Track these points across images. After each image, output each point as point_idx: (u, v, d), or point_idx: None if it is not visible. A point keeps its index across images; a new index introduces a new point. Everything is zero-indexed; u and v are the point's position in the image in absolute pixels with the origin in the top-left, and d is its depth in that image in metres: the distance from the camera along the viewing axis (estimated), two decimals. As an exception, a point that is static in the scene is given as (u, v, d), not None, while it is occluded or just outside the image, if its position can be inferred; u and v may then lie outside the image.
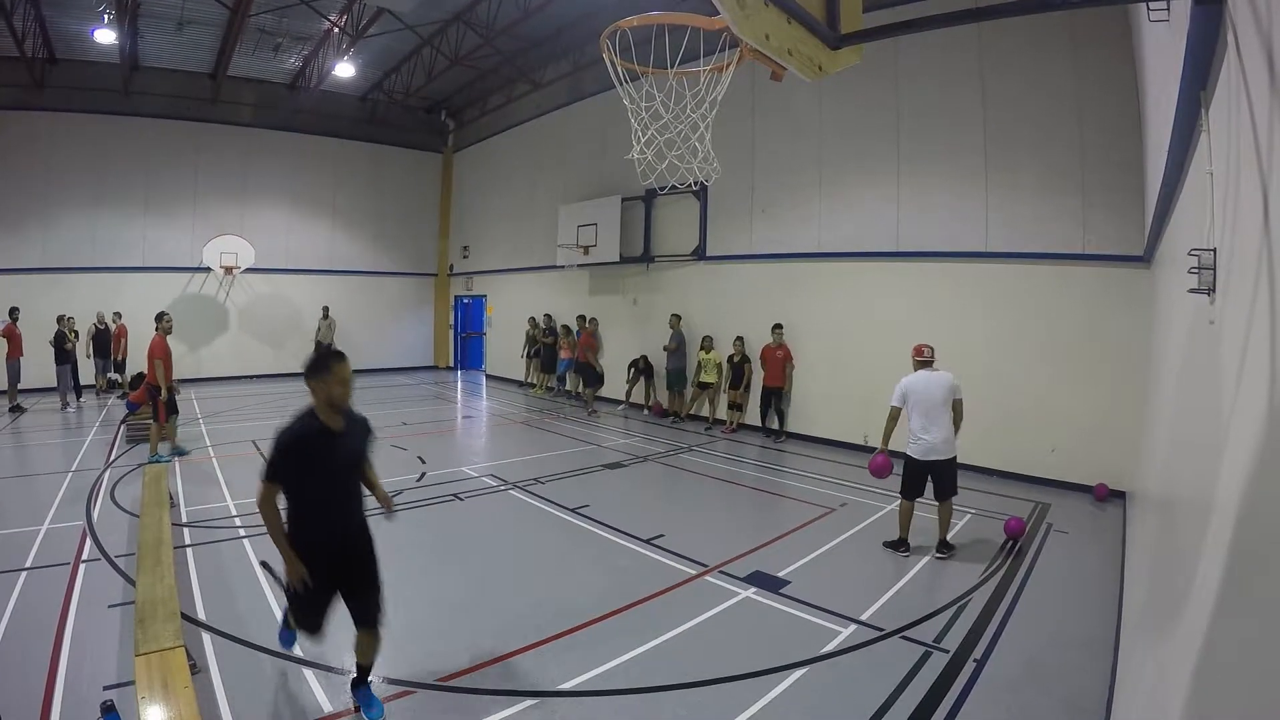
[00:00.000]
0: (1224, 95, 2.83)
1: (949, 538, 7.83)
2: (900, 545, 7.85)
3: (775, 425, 14.46)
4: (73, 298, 18.64)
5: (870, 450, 12.75)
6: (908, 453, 7.71)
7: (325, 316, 22.91)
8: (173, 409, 11.67)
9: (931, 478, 7.66)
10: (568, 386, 19.26)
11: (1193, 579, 2.53)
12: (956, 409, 7.55)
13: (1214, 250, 2.88)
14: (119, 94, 19.77)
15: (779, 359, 13.97)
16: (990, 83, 11.30)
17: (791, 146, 14.32)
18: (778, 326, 13.97)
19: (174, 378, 11.63)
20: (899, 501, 7.95)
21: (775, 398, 14.23)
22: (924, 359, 7.74)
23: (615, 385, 18.19)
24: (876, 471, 8.06)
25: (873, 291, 12.98)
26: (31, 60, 17.32)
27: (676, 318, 16.26)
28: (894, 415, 7.74)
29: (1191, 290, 3.10)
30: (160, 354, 11.09)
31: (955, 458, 7.66)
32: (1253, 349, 2.07)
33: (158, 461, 10.42)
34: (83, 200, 19.57)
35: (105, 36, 16.58)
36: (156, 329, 11.24)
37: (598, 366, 18.00)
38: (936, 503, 7.79)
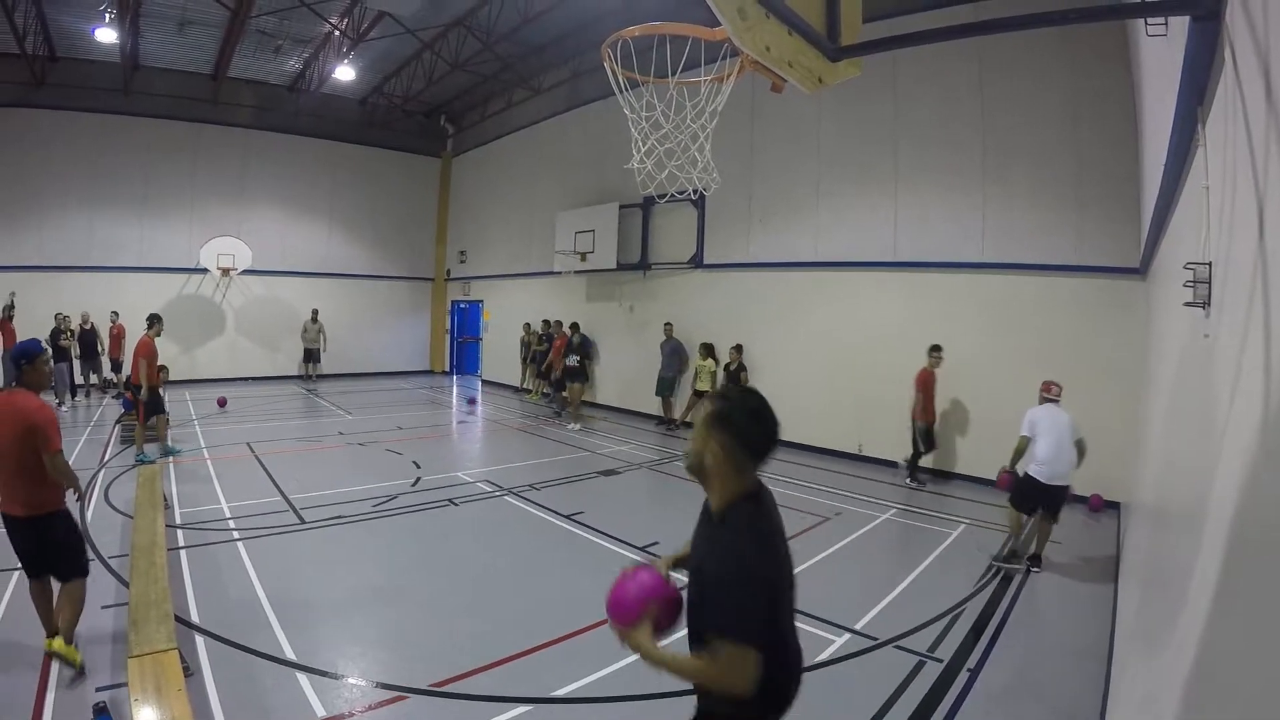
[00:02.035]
0: (1220, 110, 2.85)
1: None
2: (1014, 558, 8.01)
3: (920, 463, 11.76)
4: (69, 296, 18.54)
5: (864, 459, 12.87)
6: (1031, 474, 7.83)
7: (314, 320, 22.82)
8: (159, 409, 11.80)
9: (1045, 499, 7.80)
10: (564, 393, 19.24)
11: (1186, 591, 2.54)
12: (1080, 447, 7.78)
13: (1209, 264, 2.90)
14: (119, 93, 19.76)
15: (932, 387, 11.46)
16: (988, 95, 11.34)
17: (790, 156, 14.35)
18: (936, 348, 11.39)
19: (162, 379, 11.88)
20: (1009, 511, 8.25)
21: (928, 434, 11.55)
22: (1052, 396, 8.14)
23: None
24: (1009, 487, 8.72)
25: (869, 301, 13.00)
26: (32, 58, 17.30)
27: (669, 326, 16.30)
28: (1024, 445, 7.92)
29: (1186, 303, 3.12)
30: (145, 353, 11.32)
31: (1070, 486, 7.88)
32: (1247, 363, 2.08)
33: (143, 461, 10.73)
34: (81, 199, 19.53)
35: (106, 35, 16.57)
36: (148, 330, 11.58)
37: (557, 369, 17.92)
38: (1039, 521, 7.97)
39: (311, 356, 22.73)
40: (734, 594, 2.41)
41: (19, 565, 5.05)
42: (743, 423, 2.60)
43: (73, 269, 19.41)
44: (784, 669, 2.64)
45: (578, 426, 16.07)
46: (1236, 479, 1.99)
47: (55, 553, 4.99)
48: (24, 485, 4.76)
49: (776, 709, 2.63)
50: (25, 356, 4.89)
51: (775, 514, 2.78)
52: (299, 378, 22.96)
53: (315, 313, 22.84)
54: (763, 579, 2.49)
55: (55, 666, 4.87)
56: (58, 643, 4.83)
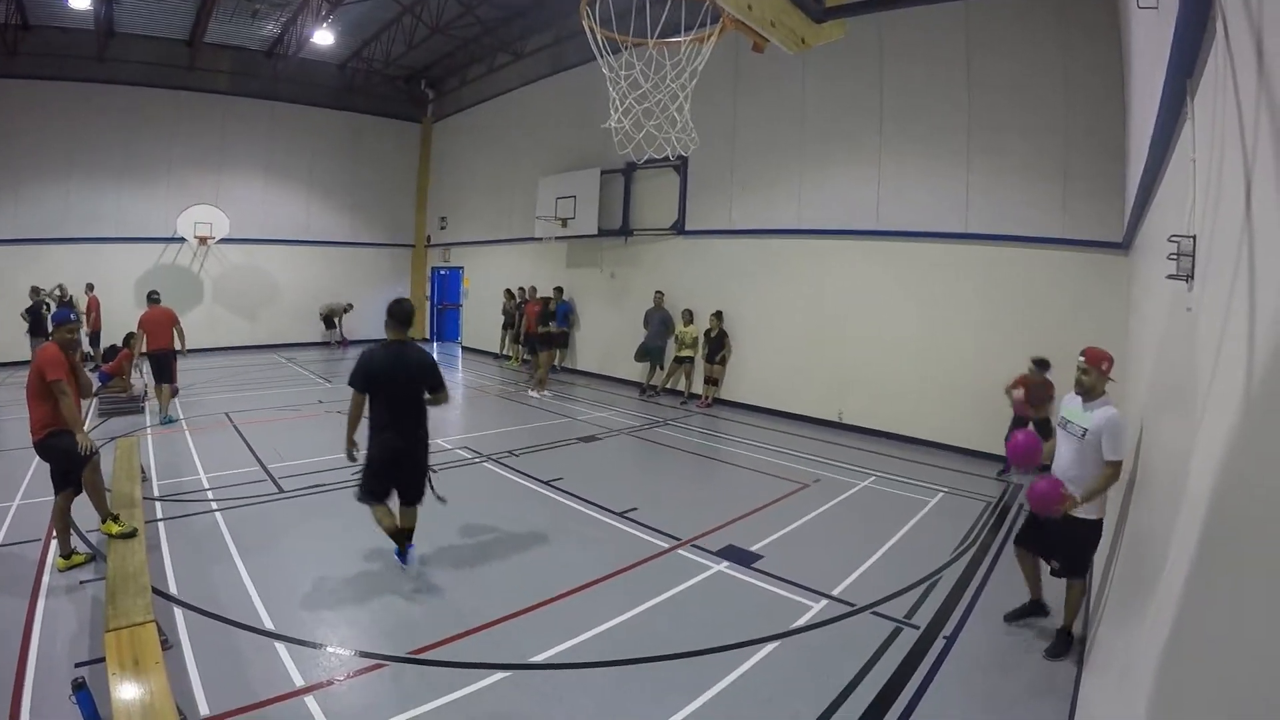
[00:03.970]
0: (1210, 83, 2.83)
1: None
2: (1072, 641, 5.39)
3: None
4: (45, 269, 18.24)
5: (843, 427, 12.92)
6: (1099, 515, 5.26)
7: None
8: (171, 377, 12.49)
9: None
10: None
11: (1163, 562, 2.56)
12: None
13: (1193, 237, 2.90)
14: (94, 61, 19.25)
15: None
16: (976, 65, 11.26)
17: (773, 123, 14.26)
18: (1041, 363, 9.63)
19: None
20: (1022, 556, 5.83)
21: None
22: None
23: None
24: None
25: (851, 269, 13.00)
26: (4, 27, 16.89)
27: (660, 295, 16.29)
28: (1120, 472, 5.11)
29: (1170, 276, 3.12)
30: (178, 322, 12.47)
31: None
32: (1229, 336, 2.08)
33: (169, 421, 12.15)
34: (56, 170, 19.09)
35: (79, 2, 16.19)
36: (158, 302, 12.53)
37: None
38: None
39: (333, 323, 23.45)
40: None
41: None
42: (391, 310, 6.17)
43: (49, 241, 19.02)
44: (376, 423, 6.13)
45: (541, 394, 16.01)
46: (1216, 451, 1.99)
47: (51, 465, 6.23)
48: (32, 413, 6.08)
49: (377, 443, 6.12)
50: (54, 321, 6.51)
51: (394, 353, 6.12)
52: (323, 344, 23.62)
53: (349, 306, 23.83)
54: (357, 369, 6.06)
55: (34, 643, 4.87)
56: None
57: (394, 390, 6.07)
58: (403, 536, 6.26)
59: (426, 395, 6.25)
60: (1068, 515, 5.06)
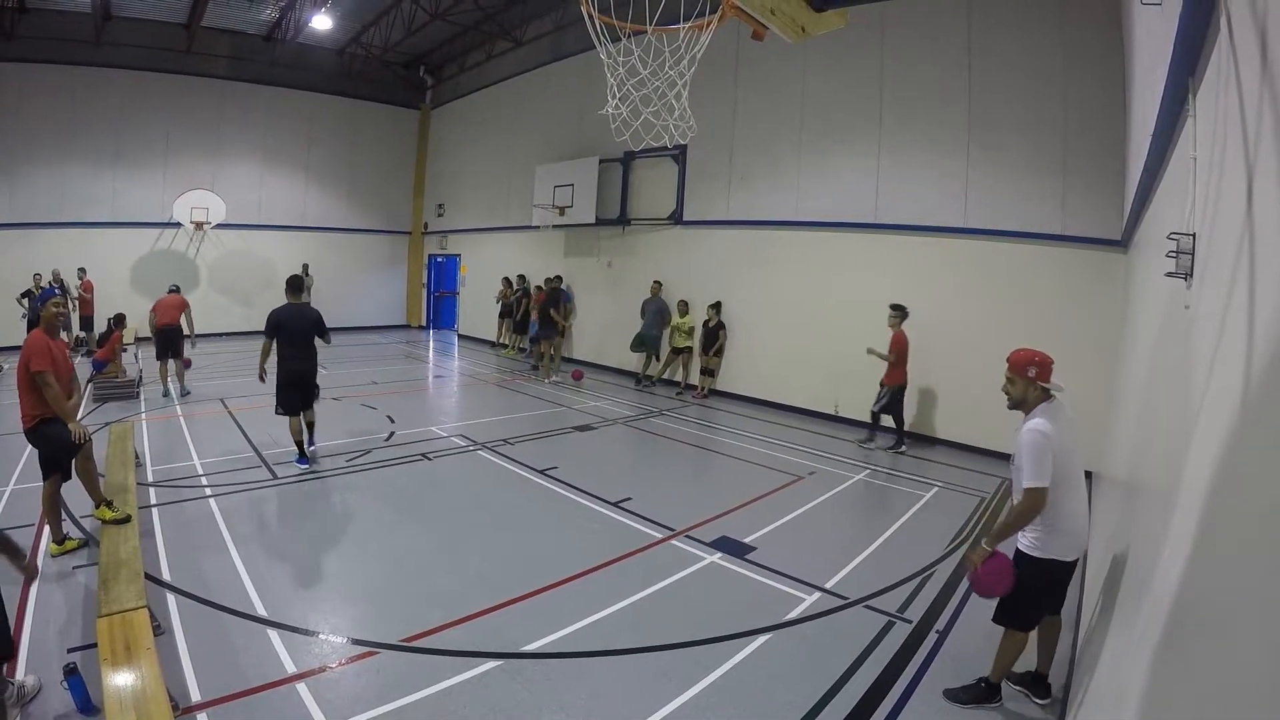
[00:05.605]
0: (1213, 80, 2.81)
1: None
2: (995, 694, 4.65)
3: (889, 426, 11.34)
4: (40, 253, 18.16)
5: (840, 419, 12.91)
6: (1049, 555, 4.30)
7: (306, 273, 22.39)
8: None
9: (1061, 589, 4.60)
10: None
11: (1156, 563, 2.55)
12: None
13: (1193, 235, 2.89)
14: (90, 44, 19.09)
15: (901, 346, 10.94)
16: (977, 60, 11.22)
17: (772, 115, 14.20)
18: (896, 308, 11.08)
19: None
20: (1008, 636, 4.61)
21: (896, 395, 11.08)
22: (1051, 384, 4.40)
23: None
24: (992, 588, 4.45)
25: (848, 262, 12.97)
26: (1, 9, 16.76)
27: (657, 284, 16.28)
28: (1040, 503, 4.18)
29: (1169, 274, 3.11)
30: (187, 306, 13.82)
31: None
32: (1228, 335, 2.07)
33: (186, 394, 13.44)
34: (51, 154, 18.96)
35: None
36: (176, 292, 14.19)
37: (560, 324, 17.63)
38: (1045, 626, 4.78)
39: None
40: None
41: None
42: (289, 282, 9.67)
43: (44, 225, 18.91)
44: (283, 356, 9.09)
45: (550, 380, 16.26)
46: (1211, 451, 1.99)
47: (40, 452, 6.16)
48: (21, 402, 5.99)
49: (285, 369, 9.11)
50: (40, 301, 6.42)
51: (294, 310, 9.29)
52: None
53: (305, 267, 22.39)
54: (269, 320, 9.19)
55: (27, 628, 4.87)
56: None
57: (294, 333, 9.06)
58: (305, 443, 9.24)
59: (317, 339, 9.30)
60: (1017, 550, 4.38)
